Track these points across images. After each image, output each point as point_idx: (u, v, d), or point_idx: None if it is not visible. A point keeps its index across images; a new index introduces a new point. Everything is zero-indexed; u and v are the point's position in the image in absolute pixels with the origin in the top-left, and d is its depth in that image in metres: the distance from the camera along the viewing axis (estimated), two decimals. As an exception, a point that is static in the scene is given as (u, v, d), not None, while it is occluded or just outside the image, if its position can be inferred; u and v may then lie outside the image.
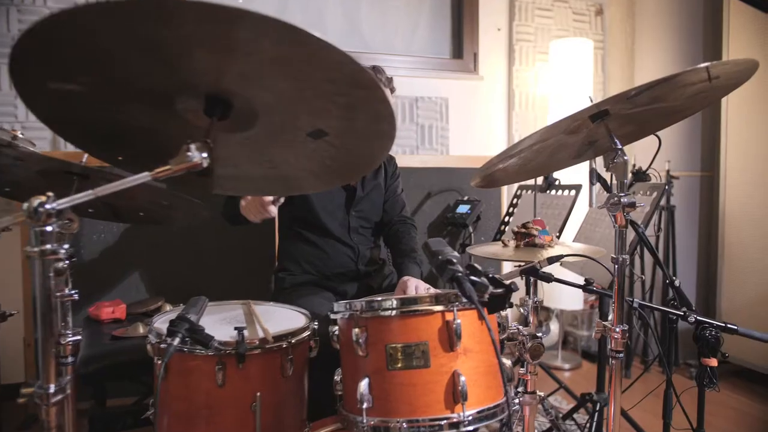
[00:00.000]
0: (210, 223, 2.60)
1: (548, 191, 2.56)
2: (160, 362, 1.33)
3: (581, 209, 2.75)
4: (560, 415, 2.31)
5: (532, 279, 1.66)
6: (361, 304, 1.10)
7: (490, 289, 1.03)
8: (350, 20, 3.27)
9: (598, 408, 2.11)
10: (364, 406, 1.06)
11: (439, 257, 1.00)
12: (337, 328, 1.24)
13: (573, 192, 2.34)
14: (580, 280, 1.58)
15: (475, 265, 1.01)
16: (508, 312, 1.23)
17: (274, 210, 1.67)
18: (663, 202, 3.20)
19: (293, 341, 1.36)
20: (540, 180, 2.67)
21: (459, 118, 3.36)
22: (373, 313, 1.09)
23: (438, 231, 3.11)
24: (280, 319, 1.52)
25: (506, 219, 2.80)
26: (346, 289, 2.02)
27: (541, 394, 1.70)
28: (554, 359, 3.37)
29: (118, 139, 1.10)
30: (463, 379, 1.03)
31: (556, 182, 2.59)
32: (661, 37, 3.41)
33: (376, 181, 2.13)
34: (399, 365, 1.05)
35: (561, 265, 2.35)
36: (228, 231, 2.66)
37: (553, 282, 1.48)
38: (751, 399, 2.83)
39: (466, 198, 3.06)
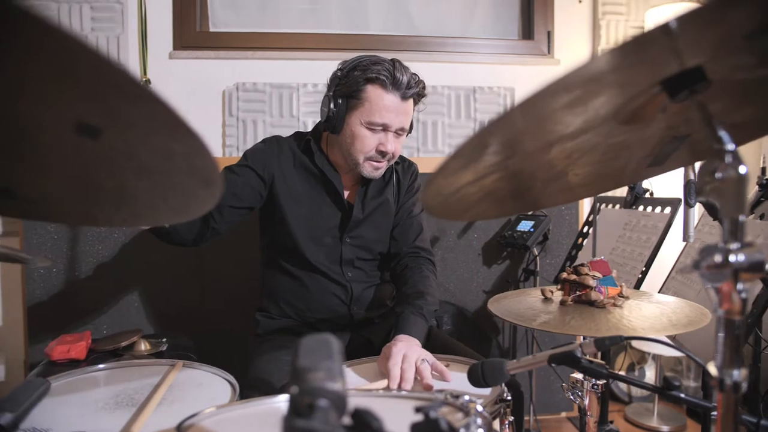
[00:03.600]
0: (218, 246, 2.22)
1: (634, 206, 1.90)
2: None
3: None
4: None
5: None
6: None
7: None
8: (395, -3, 2.75)
9: None
10: None
11: (294, 387, 0.46)
12: None
13: (668, 209, 1.67)
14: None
15: (366, 411, 0.46)
16: None
17: None
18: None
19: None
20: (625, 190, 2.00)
21: (528, 113, 2.72)
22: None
23: (495, 253, 2.50)
24: (194, 400, 1.05)
25: (580, 241, 2.15)
26: (334, 343, 1.50)
27: None
28: (648, 417, 2.62)
29: None
30: None
31: (647, 194, 1.92)
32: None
33: (383, 197, 1.58)
34: None
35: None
36: (226, 253, 2.26)
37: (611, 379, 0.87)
38: None
39: (530, 212, 2.43)
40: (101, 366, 1.20)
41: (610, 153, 0.78)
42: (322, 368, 0.49)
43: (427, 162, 2.25)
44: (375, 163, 1.46)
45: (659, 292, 1.62)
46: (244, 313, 2.07)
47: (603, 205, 2.08)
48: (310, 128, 2.52)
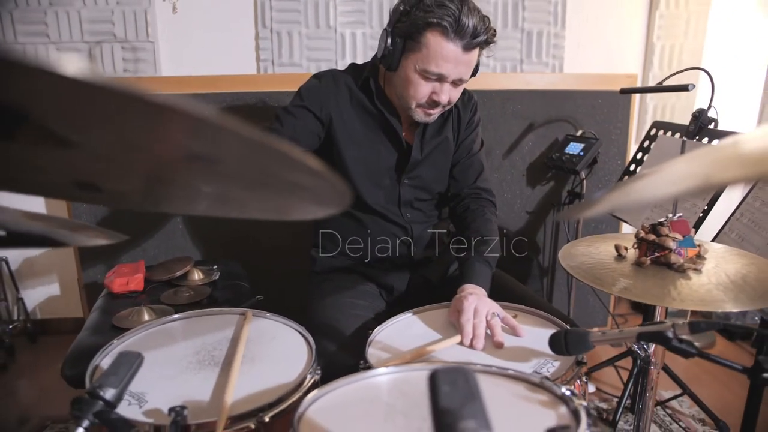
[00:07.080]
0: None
1: (697, 138, 1.81)
2: None
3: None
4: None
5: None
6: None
7: None
8: None
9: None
10: None
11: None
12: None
13: (738, 145, 1.58)
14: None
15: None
16: None
17: None
18: None
19: (266, 418, 0.91)
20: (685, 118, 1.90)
21: (579, 22, 2.54)
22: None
23: (539, 174, 2.45)
24: (273, 356, 1.08)
25: (632, 168, 2.09)
26: (393, 283, 1.52)
27: None
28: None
29: None
30: None
31: (711, 124, 1.83)
32: None
33: (442, 136, 1.52)
34: None
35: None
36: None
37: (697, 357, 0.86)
38: None
39: (579, 133, 2.34)
40: (176, 316, 1.23)
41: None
42: (470, 414, 0.48)
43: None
44: (427, 110, 1.39)
45: (717, 235, 1.58)
46: (294, 243, 2.09)
47: (661, 132, 1.98)
48: (348, 41, 2.40)
